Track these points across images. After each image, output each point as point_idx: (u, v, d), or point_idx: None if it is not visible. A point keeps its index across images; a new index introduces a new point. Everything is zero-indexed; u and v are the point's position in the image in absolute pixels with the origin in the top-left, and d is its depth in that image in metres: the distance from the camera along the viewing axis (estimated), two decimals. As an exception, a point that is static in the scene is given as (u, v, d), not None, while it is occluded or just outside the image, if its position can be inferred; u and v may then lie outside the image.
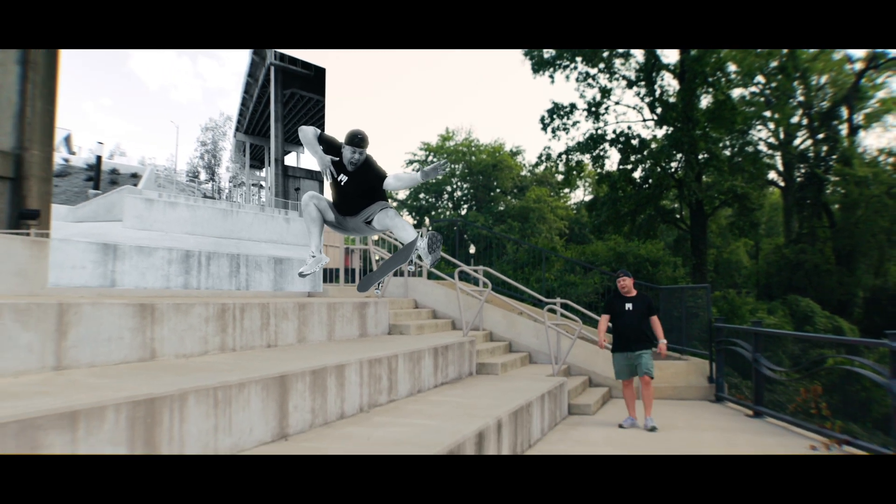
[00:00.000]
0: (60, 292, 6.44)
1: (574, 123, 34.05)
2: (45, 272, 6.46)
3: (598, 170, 35.06)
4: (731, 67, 33.29)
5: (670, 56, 33.22)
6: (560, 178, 42.65)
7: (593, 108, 33.55)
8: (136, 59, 6.50)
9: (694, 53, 30.27)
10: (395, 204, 47.57)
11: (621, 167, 33.48)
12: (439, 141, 52.44)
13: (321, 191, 8.40)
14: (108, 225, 6.27)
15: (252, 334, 7.00)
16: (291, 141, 7.94)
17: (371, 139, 6.11)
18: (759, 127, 38.42)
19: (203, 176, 7.03)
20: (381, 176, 6.21)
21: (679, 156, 31.42)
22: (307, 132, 6.25)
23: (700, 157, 31.14)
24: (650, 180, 32.69)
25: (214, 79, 7.03)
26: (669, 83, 33.32)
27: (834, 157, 35.65)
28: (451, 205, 52.75)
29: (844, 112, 36.97)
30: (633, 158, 33.24)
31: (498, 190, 51.54)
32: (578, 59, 33.02)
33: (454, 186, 52.41)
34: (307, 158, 8.16)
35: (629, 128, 33.58)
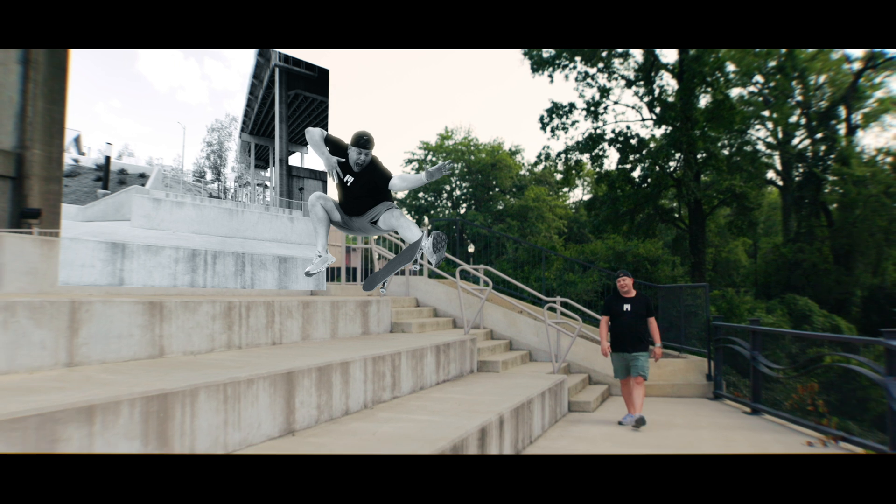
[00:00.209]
0: (70, 290, 6.54)
1: (573, 123, 34.20)
2: (55, 271, 6.56)
3: (597, 169, 35.19)
4: (730, 67, 33.44)
5: (669, 56, 33.39)
6: (559, 177, 42.74)
7: (592, 108, 33.67)
8: (144, 61, 6.60)
9: (693, 53, 30.39)
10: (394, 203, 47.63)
11: (620, 166, 33.59)
12: (438, 140, 52.53)
13: (324, 190, 8.50)
14: (116, 224, 6.36)
15: (257, 332, 7.11)
16: (295, 141, 8.03)
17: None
18: (758, 126, 38.61)
19: (209, 176, 7.13)
20: (387, 176, 6.30)
21: (678, 155, 31.53)
22: (314, 134, 6.35)
23: (699, 156, 31.27)
24: (649, 179, 32.80)
25: (220, 80, 7.14)
26: (668, 83, 33.50)
27: (832, 156, 35.74)
28: (450, 204, 52.85)
29: (843, 112, 37.06)
30: (631, 158, 33.36)
31: (497, 189, 51.64)
32: (577, 58, 33.15)
33: (453, 185, 52.50)
34: (311, 158, 8.27)
35: (628, 127, 33.73)
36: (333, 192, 6.69)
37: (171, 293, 7.00)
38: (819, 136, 37.01)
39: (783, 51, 33.34)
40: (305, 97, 8.13)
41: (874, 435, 7.93)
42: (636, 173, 33.79)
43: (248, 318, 6.95)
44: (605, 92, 33.69)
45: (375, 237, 13.15)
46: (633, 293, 9.57)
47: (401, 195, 51.81)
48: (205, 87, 7.31)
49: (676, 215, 35.03)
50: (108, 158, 6.41)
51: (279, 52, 7.92)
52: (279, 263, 7.93)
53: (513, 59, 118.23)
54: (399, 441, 5.13)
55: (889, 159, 35.83)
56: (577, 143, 34.10)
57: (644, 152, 32.93)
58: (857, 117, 37.47)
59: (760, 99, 37.56)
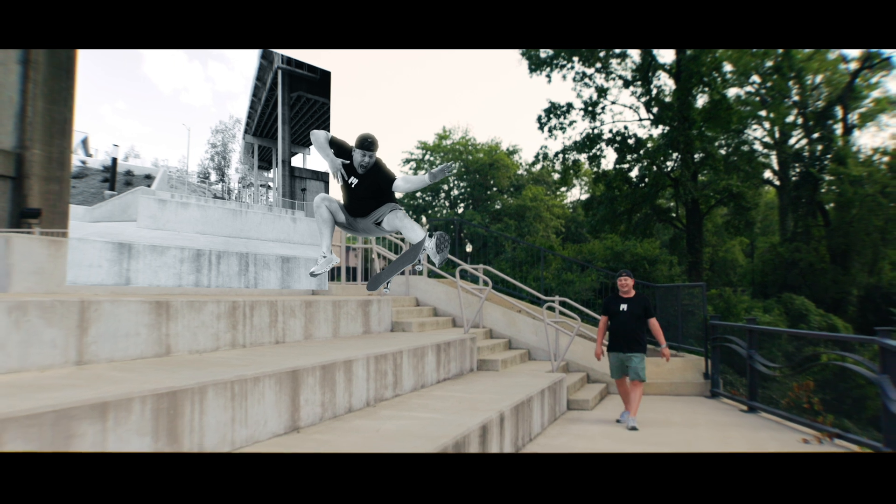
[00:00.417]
0: (77, 290, 6.62)
1: (571, 123, 34.30)
2: (62, 270, 6.64)
3: (595, 169, 35.29)
4: (727, 67, 33.55)
5: (666, 56, 33.48)
6: (556, 176, 42.83)
7: (590, 108, 33.78)
8: (149, 63, 6.68)
9: (690, 53, 30.50)
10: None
11: (617, 166, 33.70)
12: (436, 140, 52.61)
13: (326, 191, 8.57)
14: (122, 225, 6.43)
15: (261, 331, 7.20)
16: (298, 142, 8.10)
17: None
18: (755, 126, 38.66)
19: (213, 177, 7.19)
20: (391, 178, 6.41)
21: (675, 155, 31.66)
22: (319, 136, 6.46)
23: (696, 156, 31.39)
24: (646, 179, 32.92)
25: (224, 82, 7.22)
26: (665, 83, 33.62)
27: (829, 156, 35.83)
28: (447, 203, 52.93)
29: (839, 111, 37.15)
30: (629, 158, 33.48)
31: (494, 188, 51.73)
32: (575, 58, 33.25)
33: (451, 185, 52.58)
34: (313, 159, 8.33)
35: (625, 127, 33.87)
36: (335, 192, 6.79)
37: (176, 293, 7.10)
38: (816, 135, 37.10)
39: (780, 51, 33.44)
40: (308, 99, 8.22)
41: (870, 433, 8.01)
42: (633, 173, 33.93)
43: (251, 317, 7.04)
44: (602, 92, 33.80)
45: (375, 237, 13.25)
46: (632, 293, 9.57)
47: (397, 195, 51.76)
48: (209, 89, 7.39)
49: (674, 215, 35.15)
50: (114, 160, 6.49)
51: (282, 55, 8.02)
52: (282, 263, 8.02)
53: (510, 59, 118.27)
54: (402, 438, 5.22)
55: (885, 159, 35.93)
56: (575, 142, 34.22)
57: (641, 152, 33.05)
58: (853, 117, 37.58)
59: (757, 99, 37.63)
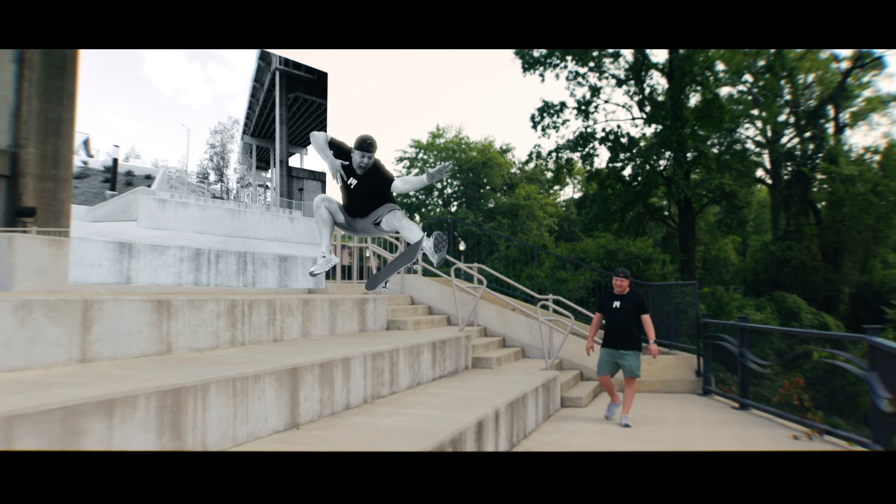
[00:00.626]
0: (79, 289, 6.70)
1: (564, 122, 34.35)
2: (64, 269, 6.73)
3: (588, 167, 35.39)
4: (720, 66, 33.69)
5: (659, 55, 33.59)
6: (550, 175, 42.93)
7: (583, 107, 33.86)
8: (150, 64, 6.77)
9: (683, 53, 30.61)
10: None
11: (610, 165, 33.78)
12: (430, 138, 52.66)
13: (323, 191, 8.68)
14: (123, 224, 6.51)
15: (260, 329, 7.29)
16: (295, 143, 8.19)
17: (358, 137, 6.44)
18: (747, 125, 38.81)
19: (212, 177, 7.28)
20: (389, 179, 6.53)
21: (668, 154, 31.76)
22: (318, 138, 6.56)
23: (688, 155, 31.50)
24: (639, 178, 33.02)
25: (223, 83, 7.31)
26: (658, 82, 33.71)
27: (820, 155, 35.99)
28: (441, 202, 52.99)
29: (831, 111, 37.31)
30: (622, 156, 33.57)
31: (488, 187, 51.80)
32: (569, 58, 33.32)
33: (444, 183, 52.61)
34: (310, 160, 8.43)
35: (618, 126, 33.93)
36: (333, 193, 6.88)
37: (176, 291, 7.18)
38: (807, 134, 37.26)
39: (772, 50, 33.61)
40: (305, 100, 8.31)
41: (861, 430, 8.15)
42: (626, 172, 34.01)
43: (250, 315, 7.14)
44: (595, 91, 33.89)
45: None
46: (626, 291, 9.58)
47: (395, 195, 51.72)
48: (208, 90, 7.47)
49: (666, 213, 35.27)
50: (115, 161, 6.57)
51: (280, 56, 8.12)
52: (280, 262, 8.10)
53: (504, 58, 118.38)
54: (400, 434, 5.33)
55: (877, 158, 36.12)
56: (568, 141, 34.27)
57: (634, 151, 33.15)
58: (845, 116, 37.74)
59: (749, 98, 37.80)
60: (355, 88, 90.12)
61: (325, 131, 8.46)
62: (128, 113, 6.76)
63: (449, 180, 52.20)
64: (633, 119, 34.28)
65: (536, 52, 33.39)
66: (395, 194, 6.64)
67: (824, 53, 36.42)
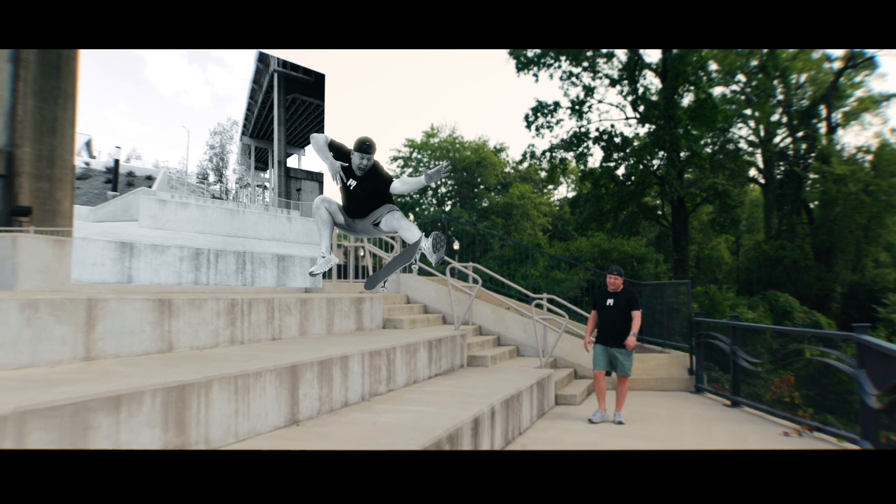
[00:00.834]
0: (81, 288, 6.80)
1: (558, 121, 34.45)
2: (67, 269, 6.82)
3: (582, 167, 35.51)
4: (713, 66, 33.81)
5: (652, 55, 33.70)
6: (543, 174, 43.03)
7: (577, 107, 33.96)
8: (151, 66, 6.86)
9: (676, 53, 30.73)
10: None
11: (604, 164, 33.87)
12: (424, 138, 52.70)
13: (321, 191, 8.78)
14: (125, 224, 6.60)
15: (258, 328, 7.39)
16: (293, 144, 8.29)
17: (354, 135, 6.56)
18: (740, 125, 38.93)
19: (212, 178, 7.38)
20: (388, 180, 6.65)
21: (661, 153, 31.89)
22: (318, 140, 6.68)
23: (682, 154, 31.63)
24: (632, 177, 33.14)
25: (223, 85, 7.40)
26: (652, 82, 33.85)
27: (813, 154, 36.15)
28: (434, 201, 53.05)
29: (823, 110, 37.46)
30: (615, 156, 33.68)
31: (482, 186, 51.86)
32: (562, 58, 33.43)
33: (439, 183, 52.63)
34: (308, 160, 8.54)
35: (612, 126, 34.06)
36: (332, 193, 6.99)
37: (176, 291, 7.28)
38: (800, 134, 37.42)
39: (765, 50, 33.76)
40: (303, 101, 8.41)
41: (852, 428, 8.25)
42: (620, 171, 34.12)
43: (249, 314, 7.23)
44: (589, 91, 34.00)
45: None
46: (620, 289, 9.63)
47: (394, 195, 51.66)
48: (208, 91, 7.56)
49: (660, 213, 35.41)
50: (117, 161, 6.66)
51: (278, 58, 8.21)
52: (278, 261, 8.20)
53: (497, 58, 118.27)
54: (398, 431, 5.43)
55: (869, 157, 36.30)
56: (562, 141, 34.37)
57: (628, 150, 33.28)
58: (837, 116, 37.90)
59: (742, 98, 37.92)
60: (350, 88, 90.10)
61: (323, 132, 8.56)
62: (129, 114, 6.86)
63: (443, 180, 52.19)
64: (627, 119, 34.42)
65: (530, 53, 33.50)
66: (393, 195, 6.75)
67: (817, 53, 36.58)
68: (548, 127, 34.55)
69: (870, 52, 33.83)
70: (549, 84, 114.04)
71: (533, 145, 49.95)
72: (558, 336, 11.51)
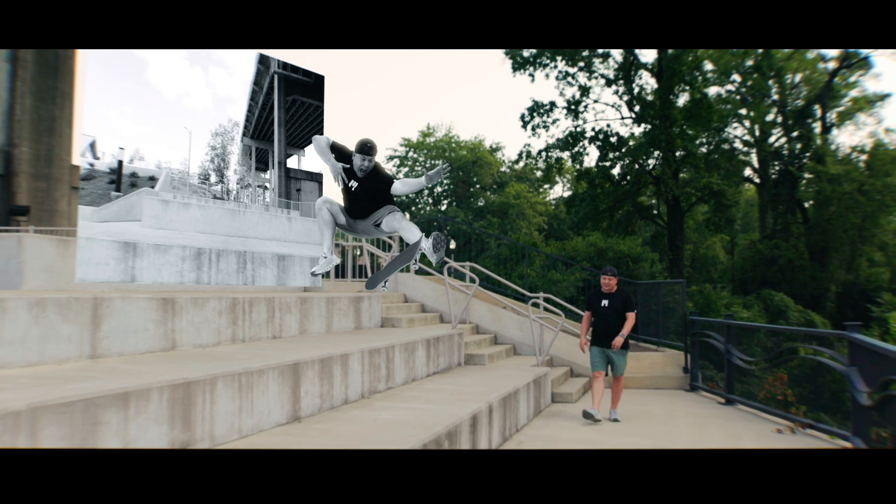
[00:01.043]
0: (85, 287, 6.89)
1: (554, 121, 34.58)
2: (71, 268, 6.91)
3: (577, 167, 35.63)
4: (708, 66, 33.97)
5: (648, 55, 33.86)
6: (539, 174, 43.13)
7: (573, 107, 34.09)
8: (154, 69, 6.96)
9: (671, 53, 30.87)
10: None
11: (600, 164, 34.01)
12: (420, 137, 52.75)
13: (320, 192, 8.88)
14: (128, 224, 6.69)
15: (259, 326, 7.48)
16: (293, 144, 8.38)
17: (351, 135, 6.68)
18: (735, 125, 39.14)
19: (213, 178, 7.47)
20: (389, 181, 6.76)
21: (656, 153, 32.05)
22: (320, 142, 6.79)
23: (677, 154, 31.77)
24: (628, 177, 33.29)
25: (224, 87, 7.49)
26: (647, 82, 34.01)
27: (807, 154, 36.34)
28: (430, 200, 53.12)
29: (818, 110, 37.65)
30: (611, 156, 33.83)
31: (478, 185, 51.93)
32: (558, 58, 33.55)
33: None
34: (307, 161, 8.63)
35: (608, 125, 34.20)
36: (332, 194, 7.08)
37: (179, 290, 7.37)
38: (795, 134, 37.60)
39: (760, 50, 33.91)
40: (303, 102, 8.50)
41: (846, 425, 8.36)
42: (616, 171, 34.28)
43: (250, 313, 7.33)
44: (585, 91, 34.13)
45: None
46: (614, 290, 9.63)
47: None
48: (209, 93, 7.65)
49: (655, 212, 35.55)
50: (120, 163, 6.75)
51: (278, 60, 8.31)
52: (278, 261, 8.29)
53: (494, 57, 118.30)
54: (398, 427, 5.52)
55: (863, 157, 36.49)
56: (558, 140, 34.49)
57: (623, 150, 33.41)
58: (831, 116, 38.11)
59: (738, 97, 38.12)
60: (347, 88, 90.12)
61: (323, 133, 8.66)
62: (132, 116, 6.95)
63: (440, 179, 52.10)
64: (623, 118, 34.57)
65: (526, 53, 33.63)
66: (394, 196, 6.85)
67: (811, 53, 36.78)
68: (544, 127, 34.68)
69: (864, 52, 34.08)
70: (545, 84, 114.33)
71: (529, 145, 50.15)
72: (554, 335, 11.59)
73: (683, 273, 31.21)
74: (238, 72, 8.10)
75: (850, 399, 7.78)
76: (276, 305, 7.74)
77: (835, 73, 36.98)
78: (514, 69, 34.30)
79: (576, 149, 34.31)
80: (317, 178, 8.96)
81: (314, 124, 8.80)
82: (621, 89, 33.88)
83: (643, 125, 32.63)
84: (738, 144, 38.94)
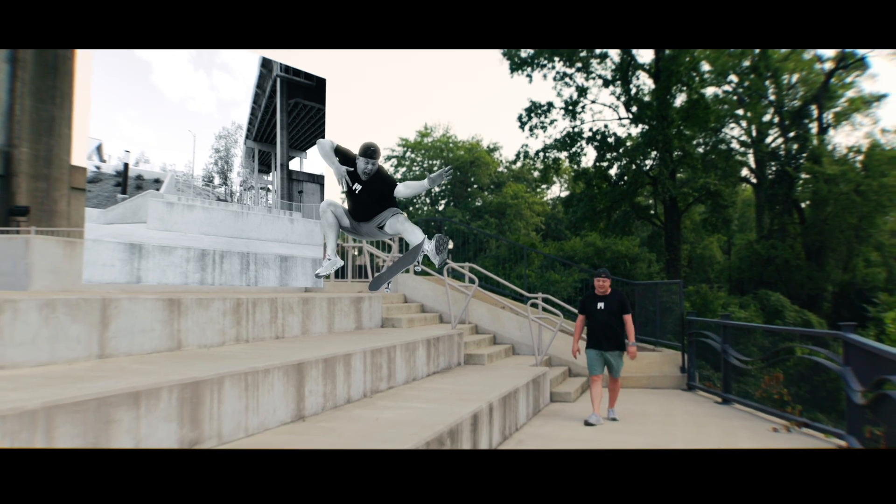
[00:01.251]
0: (91, 288, 6.99)
1: (551, 122, 34.62)
2: (78, 269, 6.98)
3: (575, 167, 35.71)
4: (705, 67, 34.04)
5: (645, 56, 33.96)
6: (537, 174, 43.21)
7: (570, 107, 34.15)
8: (158, 72, 7.04)
9: (669, 53, 30.95)
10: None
11: (597, 164, 34.08)
12: (417, 137, 52.79)
13: (322, 193, 8.97)
14: (134, 226, 6.78)
15: (262, 327, 7.58)
16: (295, 147, 8.47)
17: (349, 135, 6.77)
18: (732, 125, 39.24)
19: (217, 181, 7.56)
20: (392, 184, 6.86)
21: (654, 153, 32.13)
22: (325, 145, 6.89)
23: (674, 154, 31.85)
24: (625, 177, 33.37)
25: (227, 90, 7.57)
26: (644, 82, 34.09)
27: (804, 154, 36.46)
28: (428, 200, 53.17)
29: (814, 111, 37.77)
30: (608, 156, 33.88)
31: (475, 186, 51.97)
32: (556, 58, 33.62)
33: (434, 182, 52.56)
34: (309, 163, 8.72)
35: (605, 126, 34.25)
36: (333, 196, 7.19)
37: (183, 290, 7.47)
38: (792, 134, 37.72)
39: (757, 51, 34.03)
40: (304, 105, 8.59)
41: (841, 424, 8.45)
42: (613, 171, 34.33)
43: (254, 313, 7.42)
44: (582, 91, 34.19)
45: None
46: (608, 292, 9.57)
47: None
48: (213, 97, 7.74)
49: (652, 212, 35.65)
50: (126, 165, 6.83)
51: (280, 63, 8.40)
52: (280, 262, 8.38)
53: (491, 57, 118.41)
54: (400, 426, 5.62)
55: (859, 158, 36.60)
56: (556, 141, 34.54)
57: (621, 150, 33.48)
58: (828, 116, 38.23)
59: (735, 98, 38.23)
60: (344, 88, 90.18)
61: (324, 135, 8.76)
62: (137, 119, 7.04)
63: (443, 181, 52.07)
64: (620, 119, 34.65)
65: (524, 53, 33.69)
66: (398, 198, 6.95)
67: (808, 54, 36.90)
68: (541, 127, 34.74)
69: (861, 52, 34.19)
70: (543, 84, 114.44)
71: (526, 145, 50.31)
72: (553, 335, 11.68)
73: (680, 273, 31.30)
74: (241, 75, 8.20)
75: (844, 398, 7.88)
76: (278, 306, 7.84)
77: (831, 73, 37.11)
78: (512, 69, 34.37)
79: (573, 149, 34.36)
80: (318, 180, 9.05)
81: (316, 127, 8.89)
82: (618, 90, 33.98)
83: (640, 125, 32.73)
84: (734, 145, 39.07)
